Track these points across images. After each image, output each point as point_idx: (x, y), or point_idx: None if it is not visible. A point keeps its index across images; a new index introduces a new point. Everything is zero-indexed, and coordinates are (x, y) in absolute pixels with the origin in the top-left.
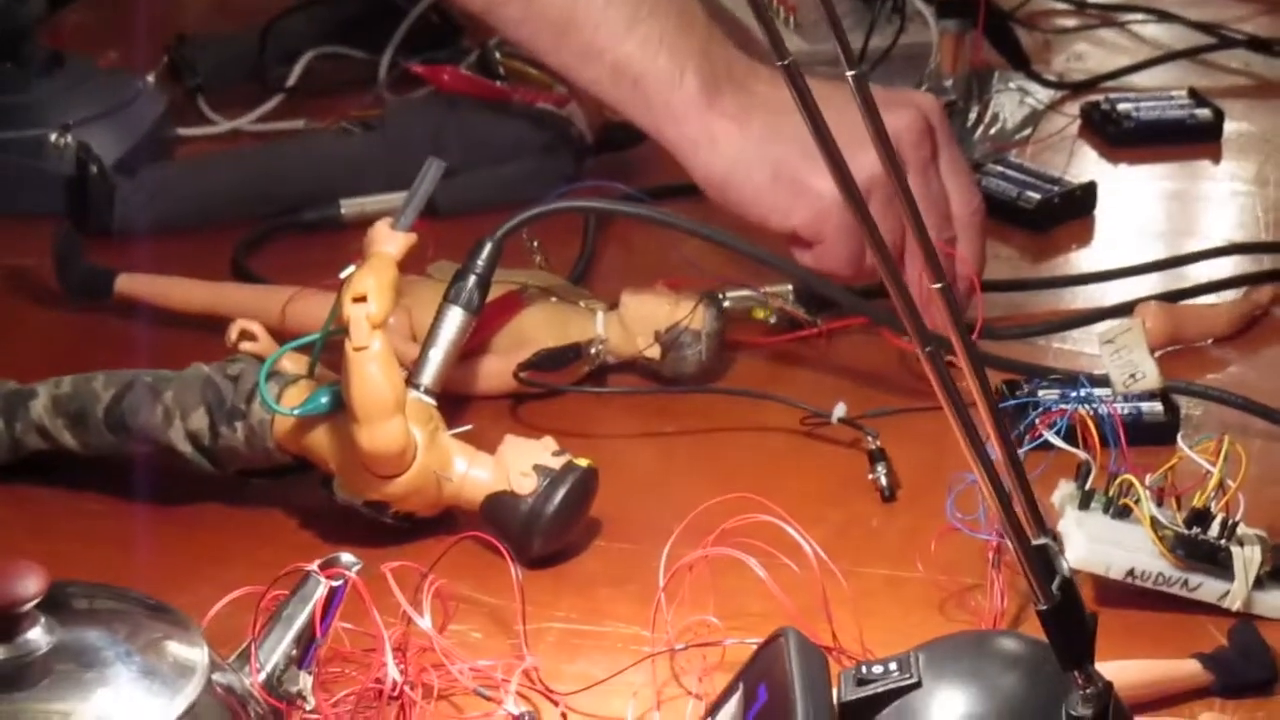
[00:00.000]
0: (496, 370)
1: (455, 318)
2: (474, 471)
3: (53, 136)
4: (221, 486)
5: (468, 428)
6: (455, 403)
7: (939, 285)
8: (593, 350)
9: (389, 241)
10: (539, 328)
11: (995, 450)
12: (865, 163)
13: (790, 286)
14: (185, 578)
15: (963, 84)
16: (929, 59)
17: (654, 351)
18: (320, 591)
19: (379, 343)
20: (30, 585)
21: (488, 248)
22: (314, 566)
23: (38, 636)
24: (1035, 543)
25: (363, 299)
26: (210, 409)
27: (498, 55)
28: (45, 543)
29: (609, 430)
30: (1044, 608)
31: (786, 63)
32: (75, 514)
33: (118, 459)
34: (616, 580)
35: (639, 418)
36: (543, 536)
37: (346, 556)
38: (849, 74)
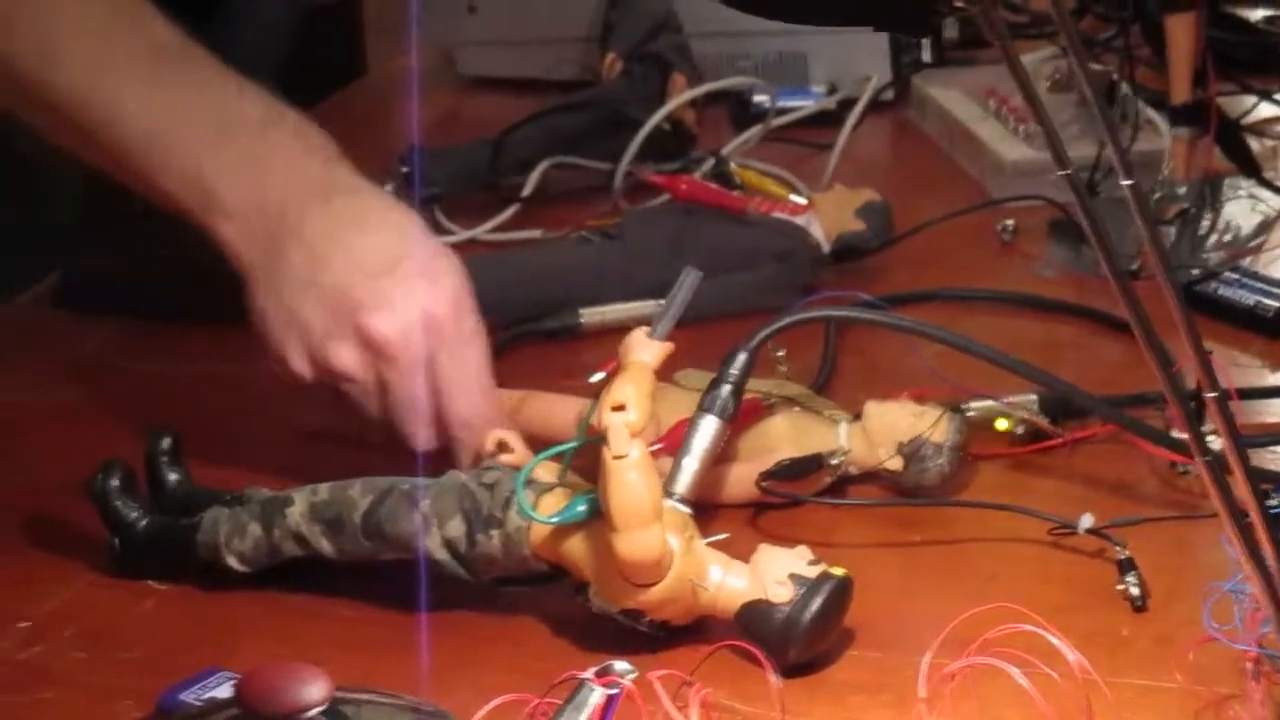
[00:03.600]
0: (739, 478)
1: (710, 426)
2: (730, 580)
3: None
4: (474, 593)
5: (724, 535)
6: (695, 510)
7: (1214, 394)
8: (835, 461)
9: (645, 350)
10: (782, 437)
11: (1269, 559)
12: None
13: (1034, 396)
14: (442, 683)
15: (1195, 191)
16: (1161, 166)
17: (896, 463)
18: (595, 699)
19: (638, 451)
20: (316, 691)
21: (742, 357)
22: (589, 674)
23: None
24: None
25: (621, 407)
26: (467, 516)
27: (732, 165)
28: (300, 648)
29: (850, 540)
30: None
31: (1068, 173)
32: (328, 619)
33: (369, 566)
34: (871, 689)
35: (880, 528)
36: (799, 645)
37: (621, 664)
38: (1125, 183)
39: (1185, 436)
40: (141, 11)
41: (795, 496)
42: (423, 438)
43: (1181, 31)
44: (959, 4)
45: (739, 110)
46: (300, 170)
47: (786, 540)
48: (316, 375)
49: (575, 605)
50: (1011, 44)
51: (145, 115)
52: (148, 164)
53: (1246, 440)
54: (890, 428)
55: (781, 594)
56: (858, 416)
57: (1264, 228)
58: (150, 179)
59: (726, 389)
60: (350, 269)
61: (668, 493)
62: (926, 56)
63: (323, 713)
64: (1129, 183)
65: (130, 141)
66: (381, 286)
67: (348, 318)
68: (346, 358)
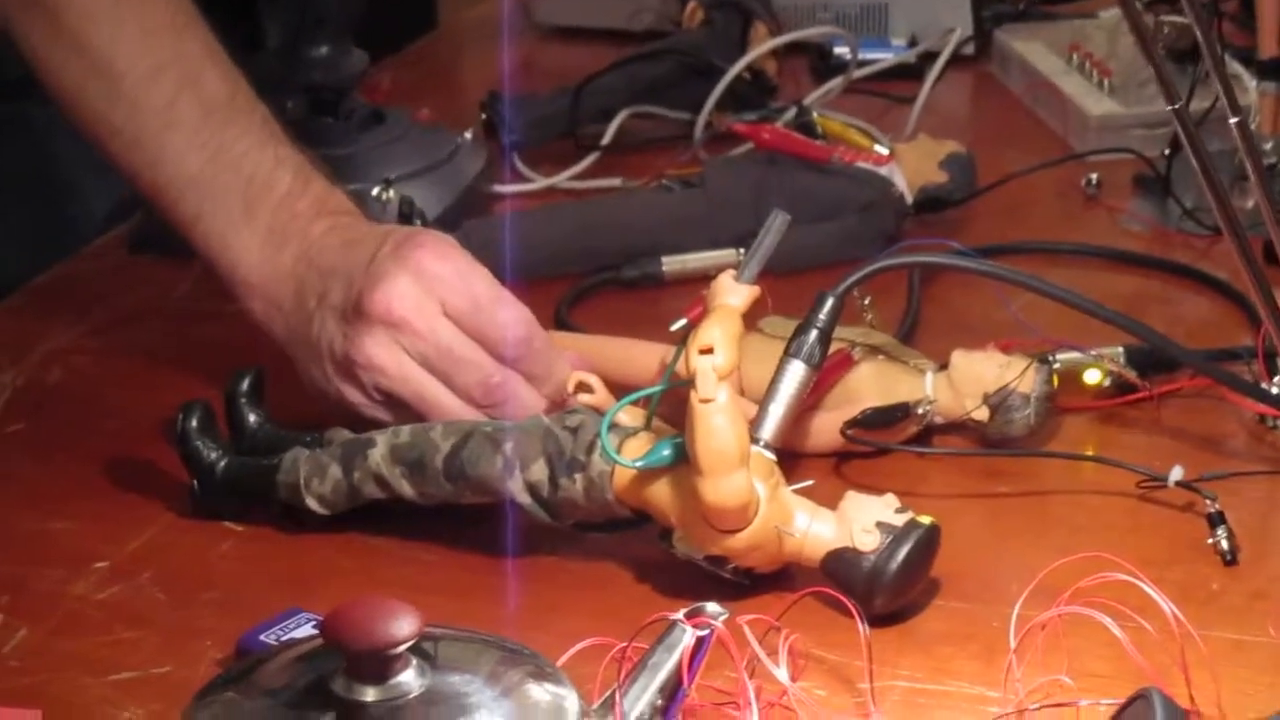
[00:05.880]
0: (823, 427)
1: (796, 372)
2: (816, 527)
3: (375, 191)
4: (557, 537)
5: (809, 483)
6: (780, 458)
7: None
8: (920, 410)
9: (733, 294)
10: (867, 386)
11: None
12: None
13: (1121, 348)
14: (526, 626)
15: None
16: (1248, 122)
17: (981, 413)
18: (687, 641)
19: (726, 395)
20: (405, 627)
21: (829, 302)
22: (680, 616)
23: (410, 679)
24: None
25: (709, 351)
26: (550, 460)
27: (815, 114)
28: (380, 590)
29: (935, 490)
30: None
31: (1176, 107)
32: (408, 562)
33: (449, 509)
34: (959, 639)
35: (965, 478)
36: (886, 594)
37: (712, 606)
38: (1232, 121)
39: (1277, 390)
40: (199, 61)
41: (880, 445)
42: (489, 385)
43: None
44: None
45: (819, 62)
46: (318, 239)
47: (871, 489)
48: (368, 393)
49: (659, 551)
50: None
51: (183, 172)
52: (181, 217)
53: None
54: (977, 378)
55: (868, 542)
56: (944, 366)
57: None
58: (183, 230)
59: (814, 335)
60: (348, 278)
61: (753, 438)
62: None
63: (410, 649)
64: (1235, 119)
65: (166, 194)
66: (370, 271)
67: (354, 313)
68: (369, 349)
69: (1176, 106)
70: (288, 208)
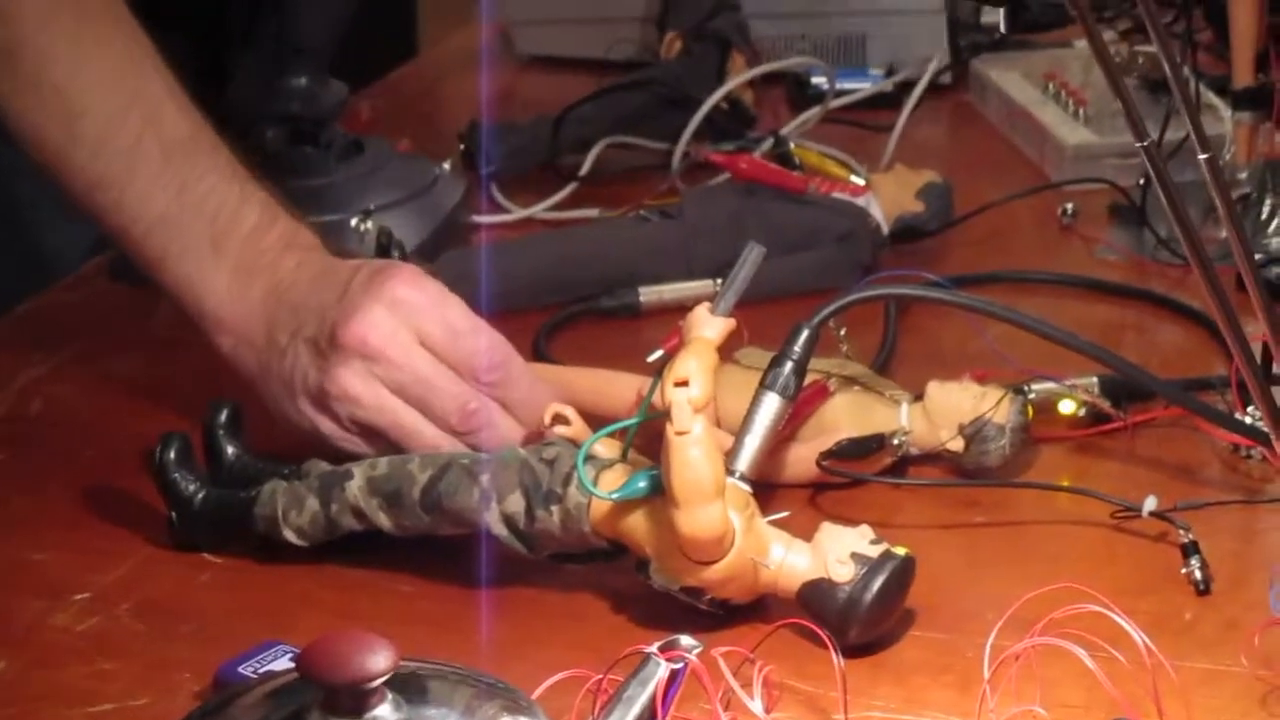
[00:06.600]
0: (799, 458)
1: (772, 404)
2: (791, 558)
3: (354, 221)
4: (534, 569)
5: (784, 514)
6: (756, 490)
7: None
8: (895, 441)
9: (708, 326)
10: (843, 417)
11: None
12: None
13: (1095, 378)
14: (502, 659)
15: (1257, 176)
16: (1222, 151)
17: (957, 444)
18: (661, 674)
19: (701, 427)
20: (381, 661)
21: (804, 334)
22: (654, 649)
23: (386, 713)
24: None
25: (684, 383)
26: (527, 492)
27: (792, 144)
28: (358, 622)
29: (911, 521)
30: None
31: (1145, 144)
32: (386, 593)
33: (426, 540)
34: (933, 670)
35: (941, 509)
36: (860, 625)
37: (686, 639)
38: (1202, 158)
39: (1250, 420)
40: (159, 99)
41: (856, 476)
42: (466, 412)
43: (1244, 14)
44: None
45: (796, 91)
46: (287, 274)
47: (846, 520)
48: (343, 424)
49: (635, 582)
50: (1092, 15)
51: (148, 211)
52: (148, 257)
53: None
54: (952, 408)
55: (843, 573)
56: (919, 397)
57: None
58: (149, 270)
59: (789, 366)
60: (321, 312)
61: (729, 470)
62: (1004, 27)
63: (386, 683)
64: (1205, 156)
65: (131, 234)
66: (344, 303)
67: (329, 345)
68: (345, 380)
69: (1145, 144)
70: (255, 243)
